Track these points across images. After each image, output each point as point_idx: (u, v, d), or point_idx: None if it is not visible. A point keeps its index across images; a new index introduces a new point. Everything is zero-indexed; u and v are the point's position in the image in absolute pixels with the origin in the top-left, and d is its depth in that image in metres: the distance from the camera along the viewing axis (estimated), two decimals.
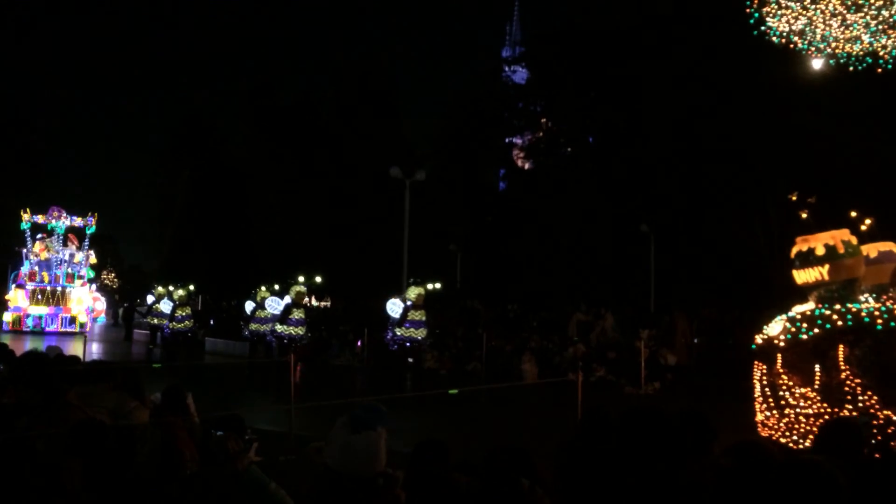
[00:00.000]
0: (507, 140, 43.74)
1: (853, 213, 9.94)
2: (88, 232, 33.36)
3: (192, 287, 21.42)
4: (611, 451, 2.07)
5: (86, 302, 32.32)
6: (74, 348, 15.10)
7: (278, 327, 15.79)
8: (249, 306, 18.26)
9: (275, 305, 16.58)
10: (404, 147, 40.26)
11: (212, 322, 30.74)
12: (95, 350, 23.30)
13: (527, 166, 42.74)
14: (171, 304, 19.52)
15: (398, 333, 15.39)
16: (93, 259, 34.08)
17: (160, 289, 20.36)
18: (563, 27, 37.29)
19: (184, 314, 19.29)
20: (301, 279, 17.52)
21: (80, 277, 32.52)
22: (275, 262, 38.65)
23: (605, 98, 34.89)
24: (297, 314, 15.87)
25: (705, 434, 3.75)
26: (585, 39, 34.44)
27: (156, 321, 19.86)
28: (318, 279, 19.89)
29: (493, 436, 9.82)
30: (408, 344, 15.44)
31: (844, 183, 23.05)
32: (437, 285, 17.16)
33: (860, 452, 3.85)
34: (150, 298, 21.28)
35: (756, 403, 7.87)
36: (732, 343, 19.07)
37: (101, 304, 37.75)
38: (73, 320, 31.14)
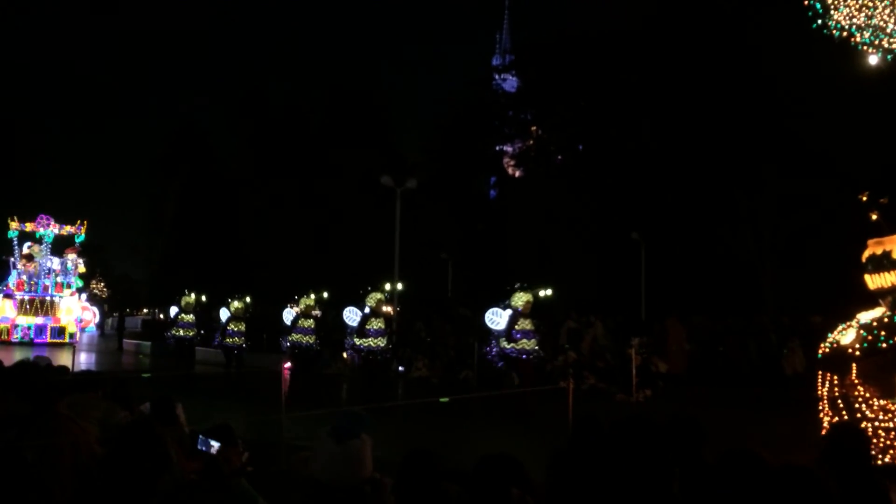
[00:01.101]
0: (497, 148, 43.85)
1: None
2: (77, 240, 33.16)
3: (198, 295, 20.47)
4: (602, 459, 2.08)
5: (75, 312, 32.09)
6: (63, 359, 14.97)
7: (357, 340, 14.64)
8: (289, 316, 17.12)
9: (353, 317, 15.62)
10: (395, 155, 40.33)
11: (202, 332, 30.61)
12: (85, 360, 23.14)
13: (517, 174, 42.85)
14: (177, 309, 18.78)
15: (506, 346, 13.48)
16: (81, 268, 33.85)
17: (236, 303, 18.17)
18: (553, 35, 37.49)
19: (188, 321, 18.54)
20: (386, 287, 16.75)
21: (69, 287, 32.31)
22: (266, 271, 38.58)
23: (595, 106, 35.06)
24: (377, 324, 14.48)
25: (696, 440, 3.76)
26: (575, 47, 34.63)
27: (181, 332, 18.38)
28: (399, 286, 17.99)
29: (484, 444, 9.81)
30: (523, 356, 13.48)
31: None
32: (549, 292, 15.15)
33: (868, 459, 3.86)
34: (174, 309, 19.30)
35: (822, 416, 7.43)
36: (724, 350, 19.14)
37: (90, 315, 37.49)
38: (62, 331, 30.89)
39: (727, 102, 27.78)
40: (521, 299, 13.62)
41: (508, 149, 43.68)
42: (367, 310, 14.65)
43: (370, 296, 14.63)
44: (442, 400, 10.49)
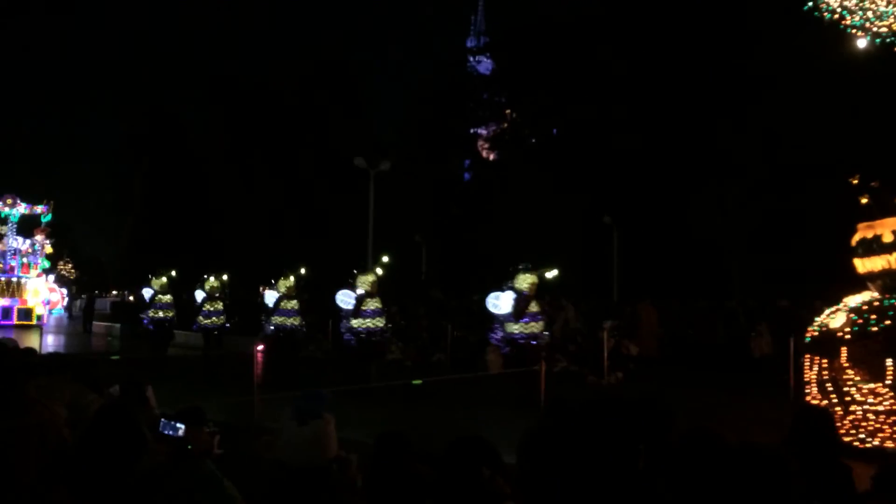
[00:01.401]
0: (471, 131, 43.78)
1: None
2: (44, 220, 32.58)
3: (173, 273, 18.62)
4: (571, 439, 2.11)
5: (42, 293, 31.58)
6: (31, 341, 14.74)
7: (353, 322, 13.92)
8: (271, 297, 15.85)
9: (347, 300, 14.50)
10: (369, 137, 40.09)
11: (173, 313, 30.30)
12: (52, 343, 22.83)
13: (492, 157, 42.86)
14: (151, 291, 17.77)
15: (514, 331, 12.64)
16: (48, 249, 33.28)
17: (212, 280, 16.95)
18: (528, 18, 37.42)
19: (166, 301, 17.75)
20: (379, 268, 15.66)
21: (36, 268, 31.77)
22: (238, 252, 38.25)
23: (570, 89, 35.11)
24: (373, 304, 13.91)
25: (664, 420, 3.84)
26: (550, 30, 34.61)
27: (161, 314, 17.35)
28: (379, 270, 16.34)
29: (456, 426, 9.87)
30: (532, 341, 12.77)
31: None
32: (554, 272, 13.72)
33: (833, 440, 3.96)
34: (147, 291, 17.87)
35: (810, 399, 7.38)
36: (693, 333, 19.44)
37: (58, 296, 36.92)
38: (28, 312, 30.37)
39: (699, 86, 28.01)
40: (525, 281, 12.75)
41: (483, 131, 43.63)
42: (360, 291, 14.03)
43: (363, 277, 14.10)
44: (415, 382, 10.54)
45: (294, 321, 15.14)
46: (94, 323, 29.52)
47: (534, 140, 39.13)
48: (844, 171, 9.19)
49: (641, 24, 30.35)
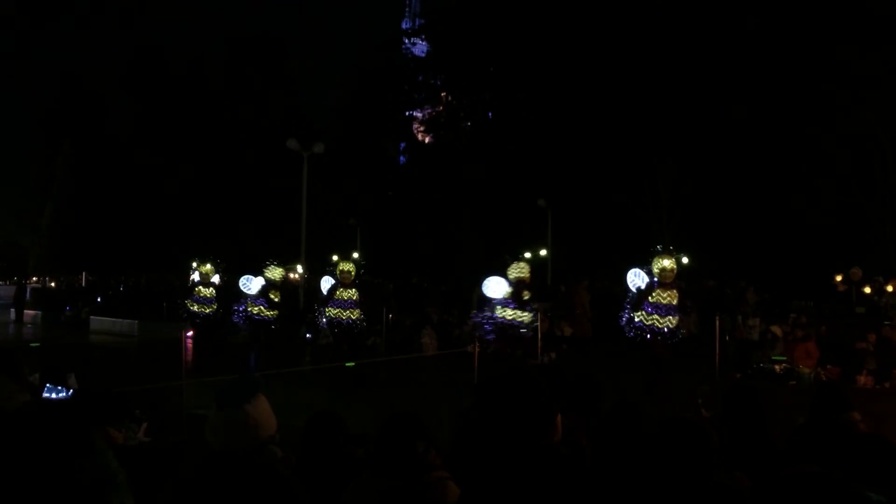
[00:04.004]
0: (407, 113, 43.58)
1: None
2: None
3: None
4: (501, 415, 2.13)
5: None
6: None
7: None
8: (326, 284, 13.25)
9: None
10: (302, 119, 39.45)
11: (98, 300, 29.35)
12: None
13: (427, 140, 42.79)
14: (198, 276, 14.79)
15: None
16: None
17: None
18: (463, 1, 37.31)
19: (206, 295, 14.76)
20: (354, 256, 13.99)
21: None
22: (167, 238, 37.22)
23: (504, 72, 35.29)
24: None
25: (593, 394, 3.93)
26: (485, 13, 34.65)
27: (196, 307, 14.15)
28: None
29: (391, 408, 9.85)
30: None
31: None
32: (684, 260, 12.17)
33: (761, 415, 4.13)
34: (196, 276, 14.82)
35: None
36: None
37: None
38: None
39: (632, 69, 28.52)
40: (657, 264, 11.10)
41: (418, 114, 43.48)
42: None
43: (341, 264, 12.76)
44: (348, 365, 10.48)
45: (205, 309, 13.81)
46: (25, 312, 28.39)
47: (469, 123, 39.23)
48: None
49: (574, 8, 30.69)
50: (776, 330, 14.44)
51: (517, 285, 12.35)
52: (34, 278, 42.56)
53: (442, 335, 17.79)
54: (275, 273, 13.07)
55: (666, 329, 10.92)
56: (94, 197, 41.48)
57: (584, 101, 30.08)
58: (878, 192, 23.83)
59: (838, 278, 17.60)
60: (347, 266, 12.61)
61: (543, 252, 12.39)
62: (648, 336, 10.99)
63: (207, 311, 13.95)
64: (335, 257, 13.31)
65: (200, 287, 14.11)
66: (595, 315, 18.71)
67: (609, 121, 29.01)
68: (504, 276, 12.22)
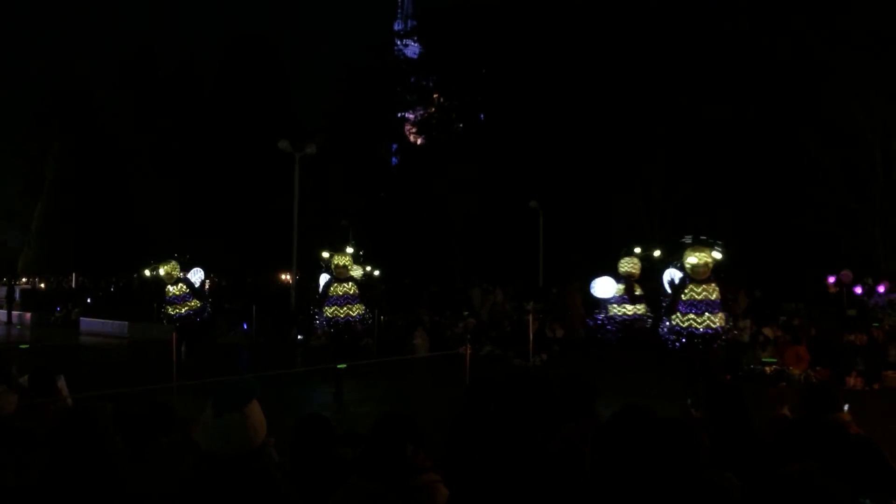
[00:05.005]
0: (399, 115, 43.57)
1: None
2: None
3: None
4: (493, 416, 2.13)
5: None
6: None
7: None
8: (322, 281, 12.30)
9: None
10: (294, 120, 39.38)
11: (89, 301, 29.25)
12: None
13: (419, 141, 42.78)
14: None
15: (679, 323, 9.53)
16: None
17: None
18: (456, 2, 37.35)
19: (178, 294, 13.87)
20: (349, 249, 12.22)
21: None
22: (158, 239, 37.08)
23: (496, 74, 35.33)
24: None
25: (587, 396, 3.93)
26: (477, 15, 34.69)
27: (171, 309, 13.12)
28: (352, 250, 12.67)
29: (383, 409, 9.83)
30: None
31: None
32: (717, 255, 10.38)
33: (744, 413, 4.14)
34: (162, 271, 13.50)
35: None
36: None
37: None
38: None
39: (623, 70, 28.60)
40: (687, 259, 9.76)
41: (410, 116, 43.46)
42: (324, 277, 12.10)
43: (335, 257, 11.65)
44: (340, 367, 10.46)
45: (180, 308, 12.82)
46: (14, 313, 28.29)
47: (461, 125, 39.25)
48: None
49: (566, 10, 30.77)
50: (767, 332, 14.50)
51: (628, 280, 11.88)
52: (24, 279, 42.29)
53: (434, 336, 17.81)
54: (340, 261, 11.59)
55: (705, 329, 9.32)
56: (84, 197, 41.28)
57: (577, 103, 30.14)
58: (869, 194, 23.95)
59: (831, 280, 17.69)
60: (343, 260, 11.57)
61: (657, 253, 11.50)
62: (684, 341, 9.42)
63: (184, 309, 12.98)
64: (325, 254, 12.17)
65: (169, 287, 13.09)
66: (587, 316, 18.73)
67: (601, 122, 29.07)
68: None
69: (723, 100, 25.30)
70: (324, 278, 12.19)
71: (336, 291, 11.49)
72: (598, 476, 3.09)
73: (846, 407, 4.66)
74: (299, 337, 19.27)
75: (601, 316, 11.99)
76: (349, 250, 12.07)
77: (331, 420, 3.50)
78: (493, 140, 34.26)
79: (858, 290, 16.37)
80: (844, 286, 17.35)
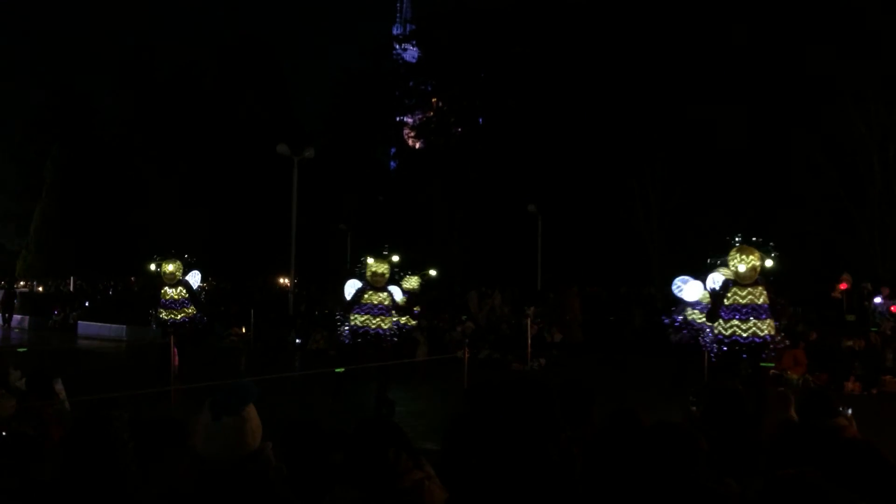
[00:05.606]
0: (397, 119, 43.61)
1: None
2: None
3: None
4: (491, 421, 2.13)
5: None
6: None
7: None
8: (351, 288, 10.92)
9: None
10: (292, 124, 39.41)
11: (87, 304, 29.19)
12: None
13: (417, 145, 42.81)
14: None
15: (721, 331, 8.95)
16: None
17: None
18: (454, 6, 37.42)
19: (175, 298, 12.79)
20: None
21: None
22: (156, 242, 37.01)
23: (495, 78, 35.38)
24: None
25: (584, 402, 3.92)
26: (476, 19, 34.76)
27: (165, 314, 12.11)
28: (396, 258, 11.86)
29: (382, 412, 9.82)
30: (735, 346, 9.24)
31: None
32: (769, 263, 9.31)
33: (742, 416, 4.14)
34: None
35: None
36: (614, 320, 19.94)
37: None
38: None
39: (622, 75, 28.64)
40: (733, 264, 8.99)
41: (409, 119, 43.51)
42: (351, 285, 10.88)
43: (374, 263, 10.59)
44: (337, 371, 10.44)
45: (175, 314, 11.82)
46: (15, 316, 28.23)
47: (460, 129, 39.29)
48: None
49: (564, 14, 30.82)
50: None
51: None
52: (22, 283, 42.23)
53: (432, 340, 17.78)
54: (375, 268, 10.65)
55: (751, 337, 8.62)
56: (82, 201, 41.22)
57: (575, 107, 30.18)
58: (867, 198, 23.97)
59: (843, 287, 17.60)
60: (381, 268, 10.50)
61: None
62: (725, 349, 8.76)
63: (179, 316, 11.92)
64: (369, 259, 10.61)
65: (166, 289, 11.96)
66: (585, 320, 18.75)
67: (599, 127, 29.10)
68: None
69: (721, 104, 25.34)
70: (351, 284, 10.94)
71: (370, 300, 10.47)
72: (589, 482, 3.08)
73: (850, 411, 4.66)
74: (297, 341, 19.28)
75: (680, 318, 10.82)
76: (395, 258, 11.19)
77: (320, 425, 3.49)
78: (492, 144, 34.30)
79: (879, 299, 15.75)
80: (844, 291, 17.35)
